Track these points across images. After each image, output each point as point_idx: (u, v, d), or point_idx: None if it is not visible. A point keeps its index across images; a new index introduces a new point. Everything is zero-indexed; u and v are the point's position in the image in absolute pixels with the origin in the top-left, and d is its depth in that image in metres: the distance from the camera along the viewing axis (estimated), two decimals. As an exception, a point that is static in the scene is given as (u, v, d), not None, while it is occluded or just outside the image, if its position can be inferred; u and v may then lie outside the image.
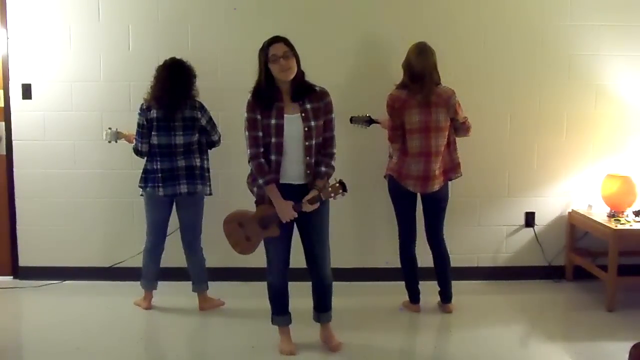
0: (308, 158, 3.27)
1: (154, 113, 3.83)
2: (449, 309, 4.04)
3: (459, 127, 3.90)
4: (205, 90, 4.25)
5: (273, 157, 3.27)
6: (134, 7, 4.35)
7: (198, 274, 4.08)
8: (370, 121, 4.11)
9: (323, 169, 3.30)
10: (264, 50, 3.24)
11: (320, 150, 3.33)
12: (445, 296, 4.04)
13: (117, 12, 4.35)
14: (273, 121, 3.24)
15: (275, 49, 3.22)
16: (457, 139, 3.95)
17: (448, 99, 3.79)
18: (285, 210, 3.24)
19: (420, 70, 3.75)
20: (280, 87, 3.28)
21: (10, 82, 4.42)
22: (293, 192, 3.28)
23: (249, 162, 3.32)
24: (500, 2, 4.42)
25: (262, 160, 3.27)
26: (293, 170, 3.29)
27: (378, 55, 4.42)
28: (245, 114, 3.32)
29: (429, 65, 3.77)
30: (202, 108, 3.93)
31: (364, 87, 4.43)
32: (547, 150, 4.54)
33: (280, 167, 3.28)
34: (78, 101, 4.42)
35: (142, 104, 3.89)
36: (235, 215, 3.45)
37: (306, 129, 3.24)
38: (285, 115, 3.25)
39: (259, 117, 3.28)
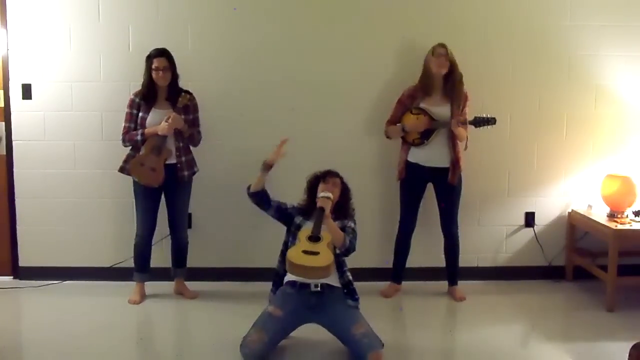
0: None
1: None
2: (457, 294, 4.22)
3: None
4: (205, 91, 4.26)
5: None
6: (134, 7, 4.35)
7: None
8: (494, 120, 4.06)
9: None
10: None
11: None
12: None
13: (117, 12, 4.35)
14: None
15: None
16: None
17: None
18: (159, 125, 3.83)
19: None
20: None
21: (10, 82, 4.41)
22: None
23: None
24: (500, 2, 4.42)
25: None
26: None
27: (377, 55, 4.41)
28: None
29: None
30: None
31: (361, 86, 4.44)
32: (547, 150, 4.54)
33: None
34: (78, 101, 4.42)
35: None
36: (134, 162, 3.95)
37: None
38: None
39: None
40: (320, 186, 3.58)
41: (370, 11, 4.38)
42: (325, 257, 3.23)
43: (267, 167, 3.61)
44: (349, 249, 3.47)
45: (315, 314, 3.36)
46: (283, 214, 3.65)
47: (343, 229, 3.50)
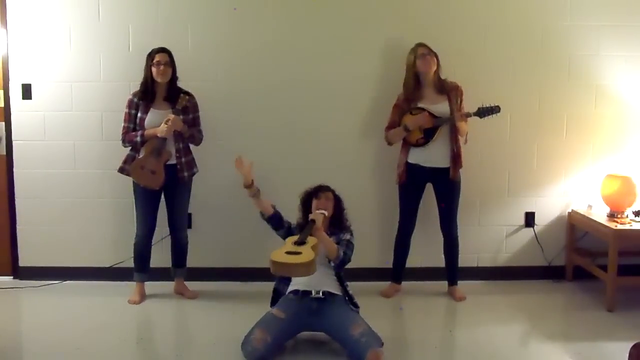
0: None
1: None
2: (457, 294, 4.22)
3: None
4: (205, 91, 4.26)
5: None
6: (134, 7, 4.35)
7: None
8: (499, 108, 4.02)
9: None
10: None
11: None
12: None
13: (117, 12, 4.35)
14: None
15: None
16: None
17: None
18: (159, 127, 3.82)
19: None
20: None
21: (10, 82, 4.41)
22: None
23: None
24: (500, 2, 4.42)
25: None
26: None
27: (377, 56, 4.41)
28: None
29: None
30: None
31: (361, 87, 4.44)
32: (547, 150, 4.54)
33: None
34: (78, 101, 4.42)
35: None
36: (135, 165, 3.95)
37: None
38: None
39: None
40: (314, 203, 3.63)
41: (370, 12, 4.38)
42: (306, 255, 3.25)
43: (248, 187, 3.66)
44: (343, 261, 3.49)
45: (316, 319, 3.38)
46: (289, 233, 3.69)
47: (338, 242, 3.54)
